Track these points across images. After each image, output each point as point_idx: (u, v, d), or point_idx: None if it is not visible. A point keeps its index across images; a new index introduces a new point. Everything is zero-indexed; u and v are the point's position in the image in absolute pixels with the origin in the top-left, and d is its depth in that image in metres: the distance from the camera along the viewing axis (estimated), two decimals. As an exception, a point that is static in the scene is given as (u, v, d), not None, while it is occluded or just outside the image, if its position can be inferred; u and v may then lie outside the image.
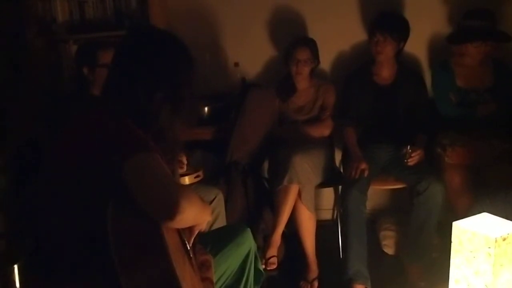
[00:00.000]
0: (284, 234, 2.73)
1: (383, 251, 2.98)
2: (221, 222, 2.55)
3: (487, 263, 1.45)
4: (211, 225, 2.41)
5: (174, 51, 1.49)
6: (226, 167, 2.89)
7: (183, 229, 1.47)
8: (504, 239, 1.44)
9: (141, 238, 1.24)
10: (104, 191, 1.27)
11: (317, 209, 2.86)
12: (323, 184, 2.89)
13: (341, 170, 3.09)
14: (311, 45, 2.99)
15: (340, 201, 2.84)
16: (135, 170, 1.27)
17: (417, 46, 3.13)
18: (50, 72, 3.12)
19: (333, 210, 3.36)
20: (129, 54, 1.47)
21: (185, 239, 1.48)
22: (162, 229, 1.25)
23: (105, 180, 1.28)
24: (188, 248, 1.48)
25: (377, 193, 3.18)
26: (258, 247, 2.22)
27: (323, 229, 2.94)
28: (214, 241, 1.78)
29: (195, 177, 2.30)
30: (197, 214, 1.40)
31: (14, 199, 2.40)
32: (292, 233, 2.79)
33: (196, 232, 1.50)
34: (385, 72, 2.95)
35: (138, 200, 1.25)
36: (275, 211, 2.71)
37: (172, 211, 1.23)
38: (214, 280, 1.62)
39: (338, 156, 3.18)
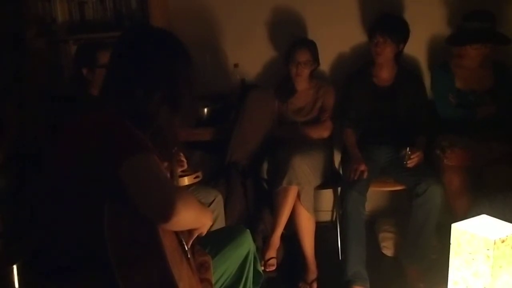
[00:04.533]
0: (283, 236, 2.73)
1: (382, 252, 2.98)
2: (220, 223, 2.55)
3: (486, 265, 1.45)
4: (210, 227, 2.41)
5: (172, 50, 1.48)
6: (225, 168, 2.89)
7: (182, 231, 1.47)
8: (503, 241, 1.44)
9: (137, 238, 1.23)
10: (102, 192, 1.27)
11: (316, 210, 2.86)
12: (322, 186, 2.89)
13: (341, 172, 3.09)
14: (311, 47, 2.99)
15: (340, 203, 2.85)
16: (133, 170, 1.26)
17: (416, 48, 3.14)
18: (50, 72, 3.12)
19: (332, 211, 3.36)
20: (126, 53, 1.46)
21: (183, 240, 1.48)
22: (159, 230, 1.25)
23: (103, 181, 1.28)
24: (186, 248, 1.48)
25: (376, 195, 3.18)
26: (257, 248, 2.22)
27: (322, 231, 2.94)
28: (213, 242, 1.78)
29: (194, 178, 2.29)
30: (195, 218, 1.39)
31: (13, 199, 2.40)
32: (291, 235, 2.79)
33: (196, 235, 1.50)
34: (385, 74, 2.96)
35: (134, 201, 1.25)
36: (274, 213, 2.71)
37: (167, 212, 1.23)
38: (213, 281, 1.62)
39: (337, 157, 3.18)
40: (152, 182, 1.26)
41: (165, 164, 1.63)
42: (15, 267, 1.85)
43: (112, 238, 1.20)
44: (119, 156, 1.27)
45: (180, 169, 1.91)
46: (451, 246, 1.55)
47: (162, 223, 1.25)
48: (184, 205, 1.26)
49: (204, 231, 1.52)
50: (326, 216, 3.37)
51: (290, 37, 3.11)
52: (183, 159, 1.91)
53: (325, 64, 3.23)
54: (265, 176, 3.14)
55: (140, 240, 1.23)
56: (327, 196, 3.32)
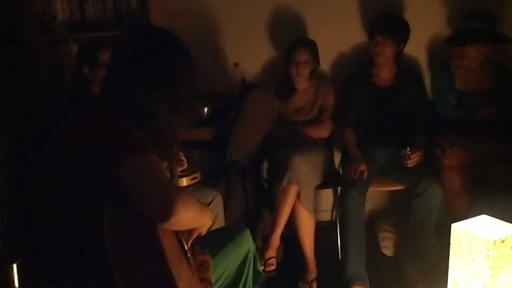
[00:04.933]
0: (283, 235, 2.73)
1: (382, 252, 2.98)
2: (220, 223, 2.55)
3: (485, 265, 1.45)
4: (210, 227, 2.41)
5: (172, 50, 1.48)
6: (225, 168, 2.89)
7: (182, 230, 1.47)
8: (502, 241, 1.44)
9: (137, 238, 1.24)
10: (102, 191, 1.27)
11: (316, 210, 2.86)
12: (322, 185, 2.89)
13: (340, 172, 3.09)
14: (311, 47, 2.99)
15: (339, 203, 2.84)
16: (132, 170, 1.26)
17: (416, 48, 3.14)
18: (50, 71, 3.11)
19: (332, 211, 3.36)
20: (126, 53, 1.46)
21: (182, 239, 1.48)
22: (159, 230, 1.25)
23: (103, 180, 1.28)
24: (186, 248, 1.48)
25: (376, 195, 3.18)
26: (257, 248, 2.22)
27: (322, 230, 2.94)
28: (213, 242, 1.78)
29: (191, 179, 2.30)
30: (194, 217, 1.39)
31: (12, 199, 2.39)
32: (291, 234, 2.79)
33: (195, 234, 1.50)
34: (385, 74, 2.95)
35: (134, 201, 1.25)
36: (274, 212, 2.71)
37: (167, 212, 1.23)
38: (213, 281, 1.62)
39: (337, 157, 3.18)
40: (151, 181, 1.26)
41: (165, 163, 1.63)
42: (14, 266, 1.85)
43: (111, 237, 1.20)
44: (118, 155, 1.27)
45: (180, 168, 1.91)
46: (451, 246, 1.55)
47: (162, 223, 1.25)
48: (183, 205, 1.25)
49: (203, 230, 1.52)
50: (326, 216, 3.37)
51: (290, 36, 3.11)
52: (183, 158, 1.91)
53: (325, 63, 3.22)
54: (265, 176, 3.14)
55: (139, 239, 1.23)
56: (327, 196, 3.32)
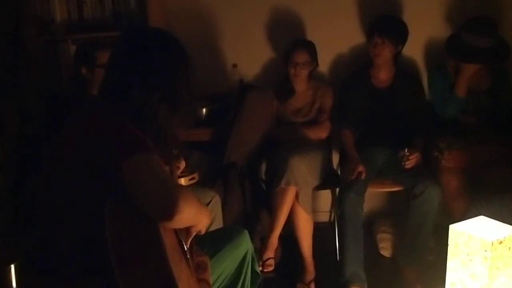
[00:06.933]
0: (281, 236, 2.73)
1: (380, 253, 2.99)
2: (218, 224, 2.55)
3: (483, 266, 1.45)
4: (208, 227, 2.41)
5: (170, 51, 1.49)
6: (223, 169, 2.88)
7: (180, 230, 1.47)
8: (500, 242, 1.45)
9: (138, 237, 1.24)
10: (103, 191, 1.27)
11: (314, 211, 2.86)
12: (320, 186, 2.89)
13: (339, 173, 3.09)
14: (310, 48, 2.99)
15: (337, 204, 2.84)
16: (134, 170, 1.27)
17: (415, 49, 3.14)
18: (49, 72, 3.11)
19: (330, 212, 3.37)
20: (125, 54, 1.47)
21: (182, 240, 1.48)
22: (160, 229, 1.25)
23: (104, 180, 1.28)
24: (185, 248, 1.48)
25: (374, 196, 3.18)
26: (255, 249, 2.22)
27: (320, 231, 2.94)
28: (211, 243, 1.78)
29: (190, 179, 2.30)
30: (195, 215, 1.40)
31: (12, 198, 2.39)
32: (289, 235, 2.79)
33: (194, 233, 1.50)
34: (383, 75, 2.96)
35: (136, 200, 1.25)
36: (272, 213, 2.71)
37: (170, 210, 1.24)
38: (211, 282, 1.62)
39: (335, 158, 3.18)
40: (154, 180, 1.27)
41: (166, 168, 1.63)
42: (12, 266, 1.85)
43: (112, 237, 1.20)
44: (120, 156, 1.27)
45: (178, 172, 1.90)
46: (448, 247, 1.55)
47: (165, 221, 1.26)
48: (185, 202, 1.26)
49: (202, 229, 1.52)
50: (324, 217, 3.37)
51: (289, 37, 3.11)
52: (180, 165, 1.91)
53: (324, 65, 3.23)
54: (263, 177, 3.14)
55: (140, 239, 1.24)
56: (325, 196, 3.32)
